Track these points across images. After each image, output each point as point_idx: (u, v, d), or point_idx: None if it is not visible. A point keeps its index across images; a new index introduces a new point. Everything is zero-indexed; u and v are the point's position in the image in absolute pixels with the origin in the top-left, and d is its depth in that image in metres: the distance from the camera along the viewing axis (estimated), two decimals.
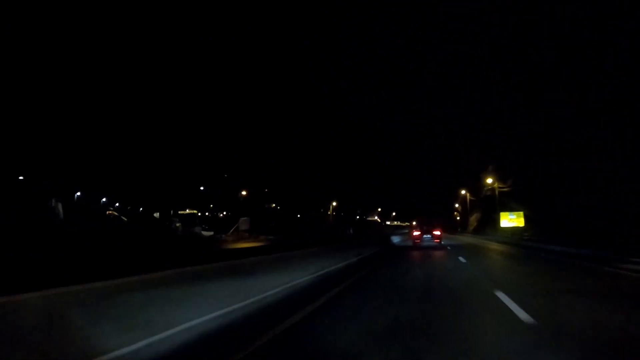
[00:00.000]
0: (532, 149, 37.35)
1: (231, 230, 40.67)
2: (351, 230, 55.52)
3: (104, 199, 71.59)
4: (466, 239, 42.75)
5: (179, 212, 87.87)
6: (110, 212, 79.49)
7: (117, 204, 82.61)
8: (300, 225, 63.43)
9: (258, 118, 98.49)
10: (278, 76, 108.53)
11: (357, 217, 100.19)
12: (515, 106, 43.14)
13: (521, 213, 37.48)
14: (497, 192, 40.64)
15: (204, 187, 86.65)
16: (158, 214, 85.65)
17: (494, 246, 27.21)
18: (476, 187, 57.79)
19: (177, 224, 41.35)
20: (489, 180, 42.93)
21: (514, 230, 37.36)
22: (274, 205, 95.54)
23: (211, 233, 37.34)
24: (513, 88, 46.24)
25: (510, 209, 39.23)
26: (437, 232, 25.00)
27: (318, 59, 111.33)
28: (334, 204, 68.54)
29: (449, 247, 22.37)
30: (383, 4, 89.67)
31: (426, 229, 25.93)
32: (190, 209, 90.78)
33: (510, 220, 38.03)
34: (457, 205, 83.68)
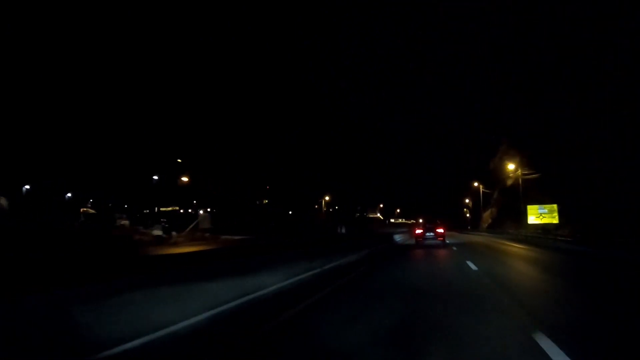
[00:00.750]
0: (533, 148, 36.10)
1: (187, 229, 32.99)
2: (343, 230, 47.34)
3: (68, 194, 64.66)
4: (481, 239, 33.88)
5: (161, 209, 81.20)
6: (85, 209, 74.78)
7: (91, 200, 77.18)
8: (300, 225, 56.45)
9: (258, 118, 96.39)
10: (278, 76, 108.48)
11: (357, 214, 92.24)
12: (515, 106, 42.66)
13: (554, 207, 29.07)
14: (521, 181, 32.21)
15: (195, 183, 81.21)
16: (147, 211, 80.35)
17: (537, 255, 18.72)
18: (491, 178, 49.54)
19: (123, 222, 33.60)
20: (511, 167, 34.40)
21: (545, 228, 28.95)
22: (265, 201, 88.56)
23: (160, 233, 29.58)
24: (513, 88, 45.87)
25: (539, 201, 30.85)
26: (441, 230, 23.88)
27: (318, 59, 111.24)
28: (327, 198, 60.31)
29: (473, 267, 13.37)
30: (383, 4, 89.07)
31: (429, 226, 24.78)
32: (176, 205, 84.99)
33: (540, 216, 29.60)
34: (467, 200, 75.13)
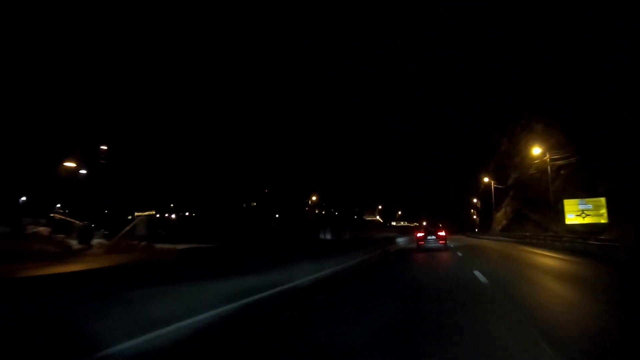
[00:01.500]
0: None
1: (117, 237, 26.00)
2: (328, 235, 39.72)
3: (23, 198, 57.86)
4: (512, 250, 22.74)
5: (136, 214, 74.31)
6: (54, 214, 69.16)
7: (58, 205, 70.87)
8: (279, 228, 49.77)
9: (258, 118, 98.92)
10: (278, 76, 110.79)
11: (355, 216, 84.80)
12: (515, 106, 41.86)
13: (602, 201, 21.49)
14: (549, 168, 24.60)
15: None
16: (130, 217, 74.11)
17: None
18: (503, 169, 42.03)
19: (40, 228, 26.39)
20: (536, 151, 26.63)
21: (587, 229, 21.26)
22: (254, 204, 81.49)
23: (71, 243, 22.52)
24: (513, 88, 45.44)
25: (575, 195, 23.19)
26: (442, 234, 23.44)
27: (318, 59, 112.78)
28: (314, 198, 52.72)
29: None
30: (383, 4, 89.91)
31: (431, 230, 24.65)
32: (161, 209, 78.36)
33: (581, 214, 21.93)
34: (475, 200, 67.31)
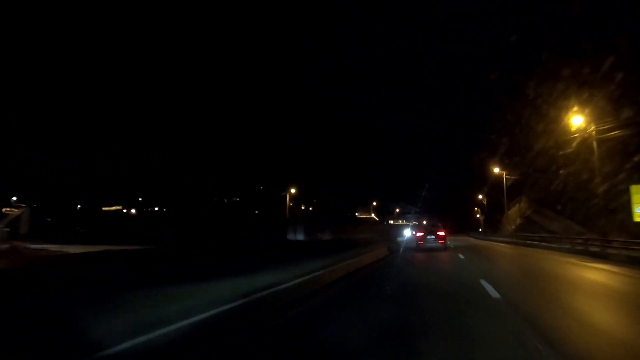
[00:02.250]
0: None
1: None
2: (300, 235, 32.95)
3: None
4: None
5: (103, 208, 67.63)
6: (8, 209, 62.02)
7: (14, 198, 64.21)
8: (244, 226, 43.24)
9: (258, 118, 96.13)
10: (278, 76, 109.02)
11: (348, 214, 78.21)
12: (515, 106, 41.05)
13: None
14: (595, 144, 17.65)
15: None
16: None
17: None
18: (514, 160, 35.21)
19: None
20: (576, 121, 19.43)
21: None
22: (237, 199, 74.91)
23: None
24: (513, 88, 45.88)
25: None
26: (441, 233, 23.58)
27: (318, 59, 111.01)
28: (293, 191, 45.79)
29: None
30: (383, 4, 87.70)
31: (430, 229, 24.49)
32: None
33: None
34: (480, 197, 60.36)
